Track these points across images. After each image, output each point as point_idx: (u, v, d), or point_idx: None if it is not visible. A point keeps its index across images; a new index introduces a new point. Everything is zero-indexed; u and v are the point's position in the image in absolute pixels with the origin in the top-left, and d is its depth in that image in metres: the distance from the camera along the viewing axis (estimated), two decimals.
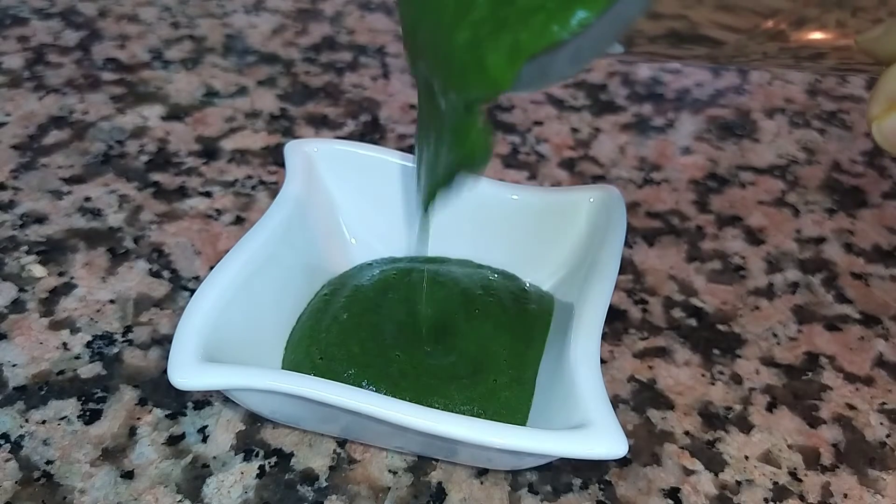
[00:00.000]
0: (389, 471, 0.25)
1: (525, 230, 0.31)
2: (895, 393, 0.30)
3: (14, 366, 0.28)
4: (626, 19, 0.16)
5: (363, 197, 0.32)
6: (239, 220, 0.35)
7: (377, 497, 0.25)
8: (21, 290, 0.31)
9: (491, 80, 0.18)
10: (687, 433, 0.27)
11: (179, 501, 0.24)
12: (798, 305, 0.33)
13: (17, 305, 0.30)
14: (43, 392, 0.27)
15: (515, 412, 0.26)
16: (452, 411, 0.25)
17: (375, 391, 0.26)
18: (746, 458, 0.27)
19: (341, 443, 0.26)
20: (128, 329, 0.29)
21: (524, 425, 0.25)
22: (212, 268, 0.26)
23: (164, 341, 0.29)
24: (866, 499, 0.26)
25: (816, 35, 0.16)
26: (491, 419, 0.23)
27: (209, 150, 0.39)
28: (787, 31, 0.15)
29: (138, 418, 0.26)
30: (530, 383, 0.27)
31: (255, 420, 0.26)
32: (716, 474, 0.26)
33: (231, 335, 0.25)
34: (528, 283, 0.31)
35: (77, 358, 0.28)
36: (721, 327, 0.32)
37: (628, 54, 0.17)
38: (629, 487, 0.26)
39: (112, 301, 0.30)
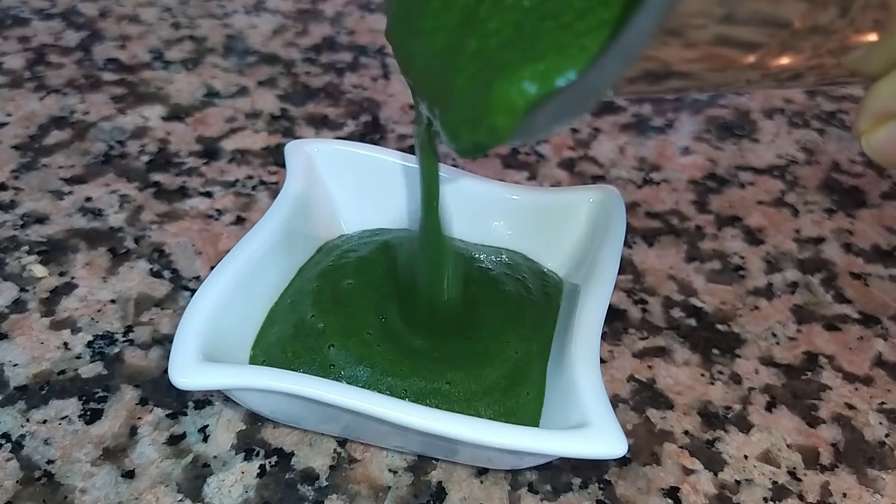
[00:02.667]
0: (389, 470, 0.26)
1: (525, 230, 0.31)
2: (894, 392, 0.30)
3: (15, 365, 0.28)
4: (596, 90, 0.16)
5: (363, 197, 0.32)
6: (239, 221, 0.35)
7: (377, 496, 0.25)
8: (22, 289, 0.31)
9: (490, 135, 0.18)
10: (686, 433, 0.28)
11: (180, 501, 0.24)
12: (797, 305, 0.33)
13: (18, 305, 0.30)
14: (44, 392, 0.27)
15: (534, 422, 0.25)
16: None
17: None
18: (746, 457, 0.27)
19: (342, 442, 0.26)
20: (128, 329, 0.29)
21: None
22: (212, 268, 0.26)
23: (164, 341, 0.29)
24: (865, 498, 0.26)
25: (793, 60, 0.16)
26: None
27: (210, 151, 0.39)
28: (768, 61, 0.16)
29: (139, 418, 0.26)
30: (544, 384, 0.26)
31: (255, 420, 0.27)
32: (715, 474, 0.26)
33: (231, 335, 0.25)
34: (547, 268, 0.31)
35: (78, 358, 0.28)
36: (720, 327, 0.32)
37: (617, 96, 0.18)
38: (629, 487, 0.26)
39: (113, 301, 0.31)
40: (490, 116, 0.18)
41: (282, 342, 0.26)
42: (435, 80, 0.20)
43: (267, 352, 0.26)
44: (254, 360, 0.26)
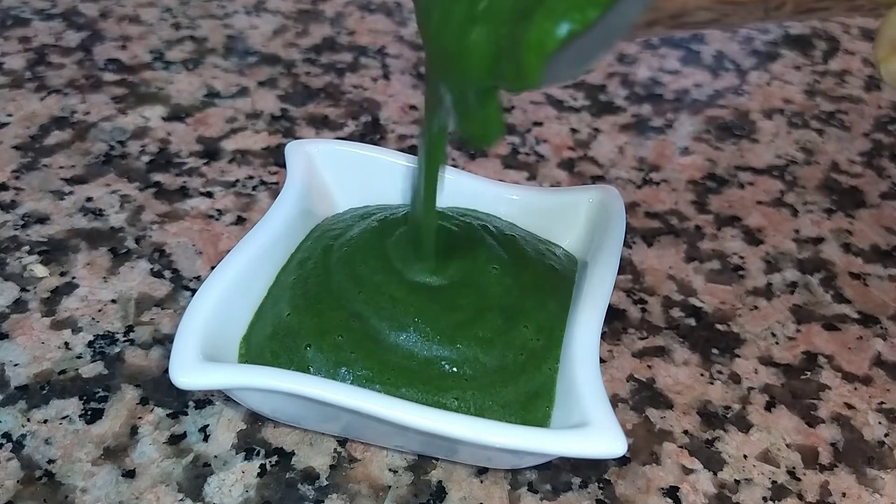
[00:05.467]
0: (390, 469, 0.26)
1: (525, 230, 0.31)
2: (893, 392, 0.30)
3: (16, 365, 0.28)
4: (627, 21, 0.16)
5: (364, 197, 0.32)
6: (240, 221, 0.35)
7: (377, 496, 0.25)
8: (23, 289, 0.31)
9: (520, 79, 0.18)
10: (686, 432, 0.28)
11: (181, 500, 0.24)
12: (796, 305, 0.33)
13: (18, 305, 0.30)
14: (45, 391, 0.27)
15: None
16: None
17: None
18: (745, 457, 0.27)
19: (342, 442, 0.26)
20: (129, 329, 0.30)
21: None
22: (213, 268, 0.26)
23: (165, 341, 0.29)
24: (865, 498, 0.26)
25: None
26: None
27: (210, 151, 0.39)
28: None
29: (140, 417, 0.26)
30: (556, 390, 0.25)
31: (256, 419, 0.27)
32: (715, 473, 0.26)
33: (232, 334, 0.26)
34: (563, 248, 0.30)
35: (79, 357, 0.28)
36: (720, 327, 0.32)
37: (635, 38, 0.18)
38: (628, 486, 0.26)
39: (113, 301, 0.31)
40: (518, 63, 0.17)
41: (262, 341, 0.25)
42: (455, 33, 0.20)
43: (250, 350, 0.25)
44: (240, 359, 0.25)
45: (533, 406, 0.24)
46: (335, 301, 0.25)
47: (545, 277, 0.27)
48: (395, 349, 0.25)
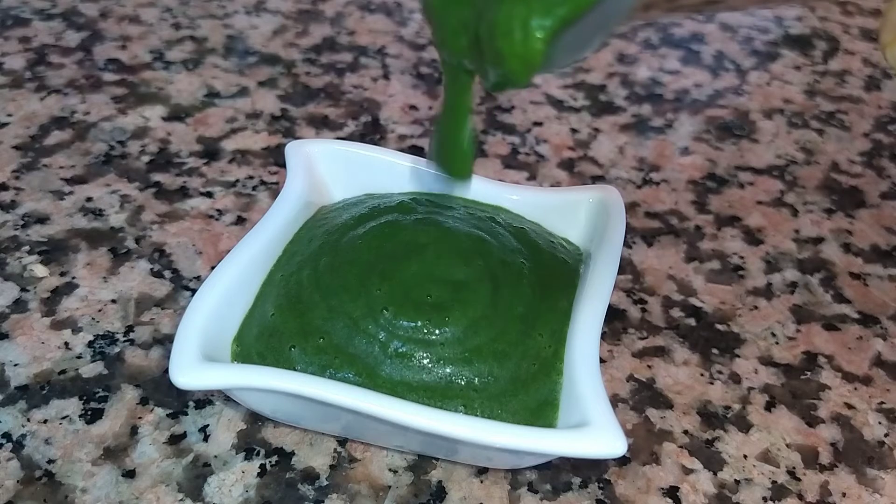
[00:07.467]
0: (390, 469, 0.26)
1: None
2: (893, 392, 0.30)
3: (16, 365, 0.28)
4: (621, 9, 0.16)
5: None
6: (240, 221, 0.35)
7: (377, 496, 0.25)
8: (23, 289, 0.31)
9: (519, 67, 0.17)
10: (686, 432, 0.28)
11: (181, 500, 0.24)
12: (796, 305, 0.33)
13: (18, 305, 0.30)
14: (45, 391, 0.27)
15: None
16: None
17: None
18: (745, 457, 0.27)
19: (342, 442, 0.26)
20: (129, 329, 0.30)
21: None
22: (213, 268, 0.26)
23: (165, 341, 0.29)
24: (865, 498, 0.26)
25: None
26: None
27: (210, 151, 0.39)
28: None
29: (140, 417, 0.26)
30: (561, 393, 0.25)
31: (256, 419, 0.27)
32: (715, 473, 0.26)
33: (232, 335, 0.25)
34: (565, 241, 0.29)
35: (79, 357, 0.28)
36: (720, 327, 0.32)
37: (633, 22, 0.18)
38: (628, 486, 0.26)
39: (113, 301, 0.31)
40: (510, 61, 0.17)
41: (250, 341, 0.25)
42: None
43: (242, 351, 0.25)
44: (232, 359, 0.25)
45: (542, 413, 0.24)
46: (312, 299, 0.25)
47: (559, 274, 0.27)
48: (385, 362, 0.24)
